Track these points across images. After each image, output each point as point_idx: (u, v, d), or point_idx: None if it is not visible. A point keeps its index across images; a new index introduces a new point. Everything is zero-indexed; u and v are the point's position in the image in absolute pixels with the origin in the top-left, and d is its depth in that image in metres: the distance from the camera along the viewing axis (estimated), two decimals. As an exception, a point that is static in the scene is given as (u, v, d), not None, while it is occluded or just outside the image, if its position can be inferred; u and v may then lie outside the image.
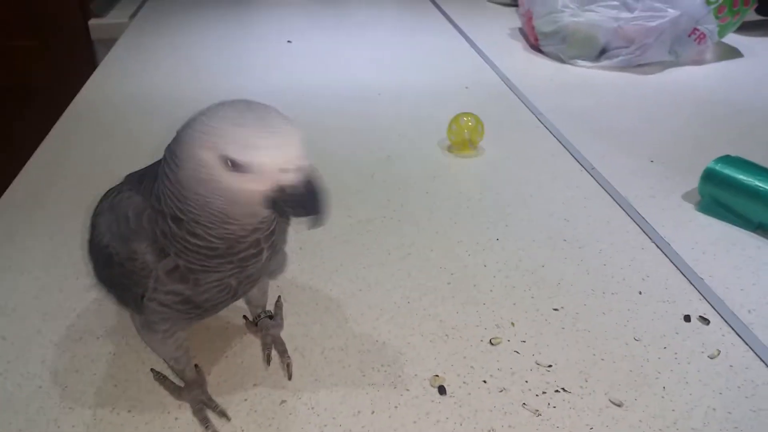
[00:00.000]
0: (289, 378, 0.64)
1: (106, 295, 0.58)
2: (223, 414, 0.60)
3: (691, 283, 0.78)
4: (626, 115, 1.28)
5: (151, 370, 0.65)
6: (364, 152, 1.11)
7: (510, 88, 1.39)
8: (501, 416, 0.60)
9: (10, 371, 0.65)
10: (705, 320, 0.72)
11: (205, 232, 0.48)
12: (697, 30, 1.46)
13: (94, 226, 0.54)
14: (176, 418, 0.60)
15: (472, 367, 0.66)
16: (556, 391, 0.63)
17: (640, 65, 1.49)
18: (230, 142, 0.44)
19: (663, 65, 1.50)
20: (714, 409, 0.61)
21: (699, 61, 1.53)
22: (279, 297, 0.74)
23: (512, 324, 0.72)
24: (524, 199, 0.97)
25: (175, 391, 0.62)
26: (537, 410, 0.61)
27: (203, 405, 0.60)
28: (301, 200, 0.46)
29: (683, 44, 1.48)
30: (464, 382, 0.64)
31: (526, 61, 1.58)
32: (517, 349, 0.68)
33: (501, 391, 0.63)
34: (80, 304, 0.74)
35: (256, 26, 1.81)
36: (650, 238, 0.87)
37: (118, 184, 0.55)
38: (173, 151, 0.47)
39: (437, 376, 0.65)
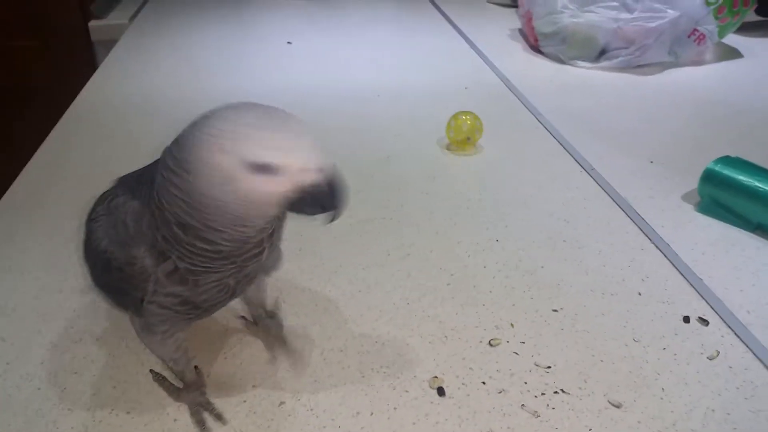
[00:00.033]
0: (303, 369, 0.64)
1: (103, 299, 0.58)
2: (219, 417, 0.60)
3: (690, 284, 0.78)
4: (626, 116, 1.28)
5: (150, 370, 0.65)
6: (363, 153, 1.11)
7: (510, 89, 1.39)
8: (500, 417, 0.60)
9: (9, 372, 0.65)
10: (704, 321, 0.72)
11: (218, 236, 0.48)
12: (697, 31, 1.46)
13: (90, 231, 0.53)
14: (175, 420, 0.60)
15: (471, 368, 0.66)
16: (555, 392, 0.63)
17: (639, 66, 1.49)
18: (250, 145, 0.44)
19: (663, 66, 1.50)
20: (713, 410, 0.61)
21: (699, 62, 1.53)
22: (277, 298, 0.74)
23: (511, 325, 0.72)
24: (524, 200, 0.97)
25: (174, 392, 0.62)
26: (536, 411, 0.61)
27: (200, 407, 0.60)
28: (323, 198, 0.47)
29: (683, 45, 1.48)
30: (463, 384, 0.64)
31: (526, 62, 1.58)
32: (517, 350, 0.68)
33: (500, 392, 0.63)
34: (80, 305, 0.74)
35: (256, 28, 1.81)
36: (650, 239, 0.87)
37: (112, 188, 0.55)
38: (180, 157, 0.46)
39: (436, 377, 0.65)
